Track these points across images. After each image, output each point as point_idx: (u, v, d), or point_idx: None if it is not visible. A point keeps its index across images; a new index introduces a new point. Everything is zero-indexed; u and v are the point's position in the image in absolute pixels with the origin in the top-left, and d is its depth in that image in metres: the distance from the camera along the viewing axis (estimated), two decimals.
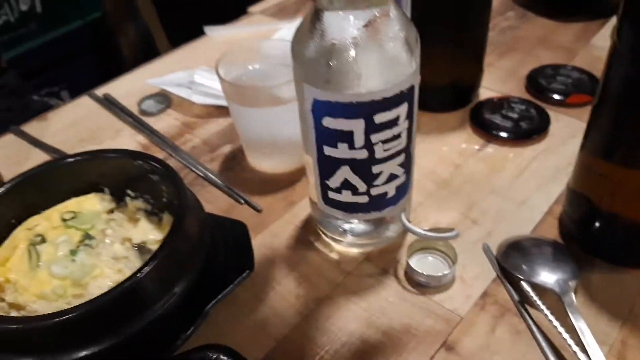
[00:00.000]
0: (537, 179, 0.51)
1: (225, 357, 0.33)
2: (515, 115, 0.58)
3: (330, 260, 0.46)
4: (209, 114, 0.65)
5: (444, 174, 0.53)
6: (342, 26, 0.35)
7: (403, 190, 0.43)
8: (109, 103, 0.69)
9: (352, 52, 0.35)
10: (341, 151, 0.39)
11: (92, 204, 0.45)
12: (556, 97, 0.60)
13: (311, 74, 0.37)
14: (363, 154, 0.39)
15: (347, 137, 0.38)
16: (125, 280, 0.35)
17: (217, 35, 0.81)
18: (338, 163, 0.40)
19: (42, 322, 0.33)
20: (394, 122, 0.38)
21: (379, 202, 0.42)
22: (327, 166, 0.41)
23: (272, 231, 0.49)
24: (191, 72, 0.68)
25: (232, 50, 0.53)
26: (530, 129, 0.56)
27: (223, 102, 0.64)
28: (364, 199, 0.42)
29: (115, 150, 0.45)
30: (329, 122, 0.38)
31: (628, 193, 0.40)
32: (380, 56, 0.37)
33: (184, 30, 0.84)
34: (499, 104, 0.59)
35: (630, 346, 0.38)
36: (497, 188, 0.51)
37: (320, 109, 0.37)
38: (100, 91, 0.71)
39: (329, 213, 0.44)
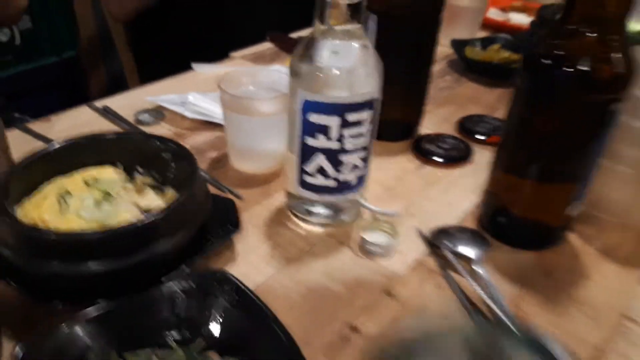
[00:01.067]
0: (462, 191, 0.66)
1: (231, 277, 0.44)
2: (447, 146, 0.73)
3: (299, 235, 0.58)
4: (197, 127, 0.77)
5: (390, 183, 0.67)
6: (328, 53, 0.50)
7: (362, 180, 0.56)
8: (108, 113, 0.80)
9: (334, 71, 0.50)
10: (319, 141, 0.52)
11: (109, 173, 0.55)
12: (479, 137, 0.76)
13: (304, 82, 0.50)
14: (335, 145, 0.52)
15: (324, 130, 0.51)
16: (149, 217, 0.45)
17: (202, 71, 0.95)
18: (315, 151, 0.53)
19: (78, 237, 0.43)
20: (360, 123, 0.52)
21: (343, 187, 0.55)
22: (306, 154, 0.53)
23: (251, 213, 0.60)
24: (183, 95, 0.81)
25: (231, 74, 0.66)
26: (458, 156, 0.71)
27: (211, 119, 0.76)
28: (333, 183, 0.55)
29: (135, 132, 0.56)
30: (313, 117, 0.51)
31: (519, 196, 0.55)
32: (353, 74, 0.51)
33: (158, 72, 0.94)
34: (435, 138, 0.75)
35: (522, 299, 0.51)
36: (431, 195, 0.65)
37: (308, 107, 0.51)
38: (98, 104, 0.82)
39: (302, 195, 0.56)
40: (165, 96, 0.82)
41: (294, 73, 0.51)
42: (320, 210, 0.58)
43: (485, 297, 0.49)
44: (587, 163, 0.52)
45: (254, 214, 0.60)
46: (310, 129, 0.52)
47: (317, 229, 0.59)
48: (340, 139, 0.52)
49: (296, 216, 0.60)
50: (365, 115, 0.51)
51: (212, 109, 0.77)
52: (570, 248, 0.58)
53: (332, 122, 0.51)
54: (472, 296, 0.50)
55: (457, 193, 0.66)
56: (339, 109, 0.50)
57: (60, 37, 1.77)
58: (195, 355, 0.41)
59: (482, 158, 0.72)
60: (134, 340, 0.41)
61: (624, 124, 0.53)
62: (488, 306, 0.49)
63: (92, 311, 0.40)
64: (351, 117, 0.51)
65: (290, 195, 0.60)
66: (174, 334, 0.42)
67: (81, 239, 0.44)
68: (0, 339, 0.42)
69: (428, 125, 0.80)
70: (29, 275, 0.44)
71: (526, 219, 0.56)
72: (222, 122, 0.73)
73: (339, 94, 0.50)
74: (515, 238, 0.58)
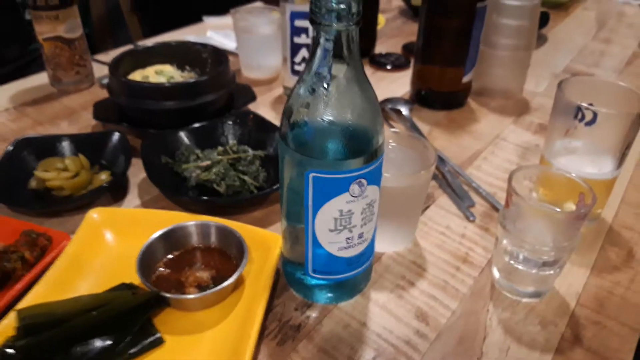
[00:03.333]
0: (402, 84, 0.97)
1: (256, 114, 0.75)
2: (393, 59, 1.04)
3: None
4: None
5: None
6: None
7: None
8: None
9: None
10: (302, 39, 0.83)
11: (169, 68, 0.86)
12: None
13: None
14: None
15: (305, 30, 0.82)
16: (202, 76, 0.76)
17: (211, 21, 1.25)
18: (300, 47, 0.84)
19: (159, 85, 0.73)
20: None
21: None
22: (294, 49, 0.84)
23: (260, 98, 0.91)
24: (202, 36, 1.11)
25: (241, 9, 0.96)
26: (400, 64, 1.03)
27: (225, 47, 1.07)
28: None
29: (184, 41, 0.87)
30: (297, 22, 0.82)
31: (431, 76, 0.86)
32: None
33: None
34: (385, 55, 1.06)
35: (432, 130, 0.82)
36: (381, 86, 0.96)
37: (294, 16, 0.81)
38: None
39: (294, 81, 0.87)
40: (189, 36, 1.12)
41: None
42: None
43: (409, 129, 0.81)
44: (470, 48, 0.83)
45: (262, 98, 0.91)
46: (296, 31, 0.82)
47: None
48: None
49: None
50: None
51: (226, 42, 1.08)
52: (469, 108, 0.90)
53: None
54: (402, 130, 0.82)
55: (398, 85, 0.97)
56: None
57: None
58: (235, 149, 0.71)
59: None
60: (205, 144, 0.71)
61: (494, 21, 0.85)
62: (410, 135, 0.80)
63: (187, 127, 0.71)
64: None
65: (285, 87, 0.90)
66: (224, 143, 0.73)
67: (162, 86, 0.74)
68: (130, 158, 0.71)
69: (383, 49, 1.11)
70: (134, 114, 0.74)
71: (437, 90, 0.88)
72: (233, 50, 1.03)
73: None
74: (432, 103, 0.89)
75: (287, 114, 0.44)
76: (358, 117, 0.42)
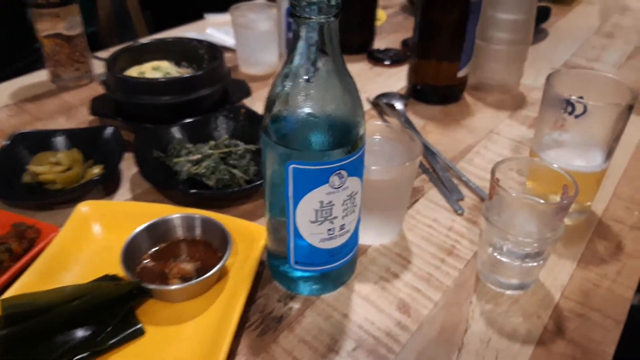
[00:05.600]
0: (398, 79, 0.97)
1: (248, 108, 0.75)
2: (391, 54, 1.04)
3: None
4: None
5: None
6: None
7: None
8: None
9: None
10: None
11: (166, 64, 0.86)
12: None
13: None
14: None
15: None
16: (197, 71, 0.76)
17: (212, 18, 1.25)
18: None
19: (154, 80, 0.74)
20: None
21: None
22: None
23: (257, 93, 0.91)
24: (202, 33, 1.12)
25: (240, 5, 0.96)
26: (398, 59, 1.03)
27: (224, 44, 1.07)
28: None
29: (181, 37, 0.87)
30: None
31: (426, 71, 0.86)
32: None
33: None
34: (384, 50, 1.06)
35: (426, 125, 0.82)
36: (378, 81, 0.96)
37: (288, 12, 0.81)
38: None
39: None
40: (190, 33, 1.13)
41: None
42: None
43: (403, 124, 0.81)
44: (465, 42, 0.83)
45: (258, 93, 0.91)
46: (292, 27, 0.83)
47: None
48: None
49: None
50: None
51: (225, 38, 1.08)
52: (465, 103, 0.90)
53: None
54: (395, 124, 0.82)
55: (395, 80, 0.97)
56: None
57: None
58: (227, 143, 0.71)
59: None
60: (197, 138, 0.72)
61: (490, 15, 0.85)
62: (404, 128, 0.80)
63: (180, 123, 0.71)
64: None
65: None
66: (217, 137, 0.73)
67: (156, 81, 0.75)
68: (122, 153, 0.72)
69: (382, 45, 1.11)
70: (130, 109, 0.75)
71: (433, 85, 0.88)
72: (233, 47, 1.04)
73: None
74: (428, 97, 0.89)
75: (268, 106, 0.44)
76: (338, 108, 0.43)
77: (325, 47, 0.41)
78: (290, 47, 0.42)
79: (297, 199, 0.45)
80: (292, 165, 0.43)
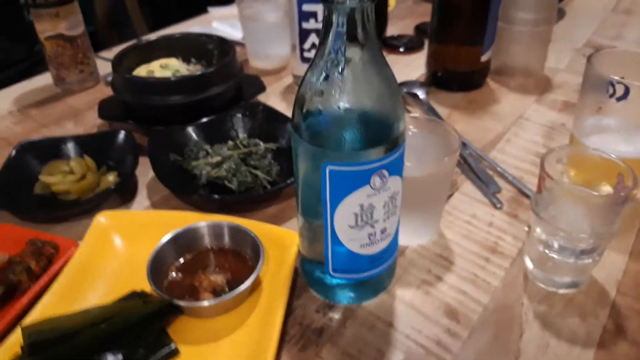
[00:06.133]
0: (416, 67, 0.93)
1: (266, 104, 0.71)
2: (405, 41, 1.00)
3: None
4: None
5: None
6: None
7: None
8: None
9: None
10: (311, 24, 0.79)
11: (174, 62, 0.82)
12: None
13: None
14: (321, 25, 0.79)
15: (314, 15, 0.78)
16: (209, 68, 0.72)
17: (217, 12, 1.21)
18: (309, 32, 0.80)
19: (164, 80, 0.70)
20: None
21: None
22: (303, 36, 0.80)
23: (269, 88, 0.87)
24: (207, 27, 1.07)
25: None
26: (412, 46, 0.99)
27: (231, 37, 1.03)
28: None
29: (189, 32, 0.83)
30: (305, 6, 0.78)
31: (447, 56, 0.82)
32: None
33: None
34: (397, 37, 1.02)
35: (451, 114, 0.78)
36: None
37: (300, 0, 0.77)
38: None
39: (304, 69, 0.83)
40: (194, 27, 1.09)
41: None
42: None
43: (426, 113, 0.77)
44: (487, 25, 0.79)
45: (272, 89, 0.87)
46: (304, 16, 0.79)
47: None
48: None
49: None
50: None
51: (231, 32, 1.04)
52: (489, 89, 0.86)
53: (318, 8, 0.78)
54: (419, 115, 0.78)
55: (412, 68, 0.93)
56: None
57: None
58: (246, 143, 0.67)
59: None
60: (214, 138, 0.68)
61: None
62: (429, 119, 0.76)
63: (195, 123, 0.68)
64: None
65: (295, 76, 0.87)
66: (234, 136, 0.70)
67: (167, 80, 0.71)
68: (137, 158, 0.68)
69: (394, 31, 1.07)
70: (140, 111, 0.72)
71: (454, 71, 0.84)
72: (240, 40, 1.00)
73: None
74: (449, 84, 0.85)
75: (299, 103, 0.40)
76: (377, 102, 0.39)
77: (361, 35, 0.37)
78: (321, 36, 0.38)
79: (335, 202, 0.41)
80: (329, 167, 0.40)
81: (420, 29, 1.06)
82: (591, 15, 1.15)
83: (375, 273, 0.46)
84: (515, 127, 0.75)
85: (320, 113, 0.39)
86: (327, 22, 0.37)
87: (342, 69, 0.38)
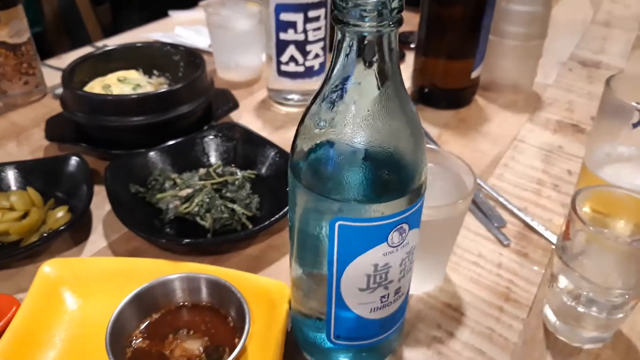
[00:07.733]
0: None
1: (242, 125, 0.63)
2: None
3: (280, 113, 0.77)
4: None
5: None
6: None
7: (322, 66, 0.76)
8: None
9: None
10: (289, 35, 0.71)
11: (134, 74, 0.73)
12: (411, 45, 0.97)
13: None
14: (301, 37, 0.72)
15: (292, 25, 0.71)
16: (175, 83, 0.63)
17: (178, 16, 1.12)
18: (287, 44, 0.72)
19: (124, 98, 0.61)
20: (319, 18, 0.71)
21: (310, 72, 0.75)
22: (280, 47, 0.73)
23: (242, 104, 0.79)
24: (169, 33, 0.98)
25: (214, 1, 0.84)
26: None
27: (196, 45, 0.94)
28: (301, 68, 0.74)
29: (152, 42, 0.74)
30: (283, 16, 0.70)
31: (435, 71, 0.76)
32: None
33: None
34: None
35: (442, 134, 0.72)
36: None
37: (279, 9, 0.70)
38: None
39: (280, 85, 0.76)
40: (155, 33, 0.99)
41: None
42: (293, 96, 0.78)
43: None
44: (478, 38, 0.73)
45: (244, 104, 0.79)
46: (282, 26, 0.71)
47: (293, 110, 0.78)
48: (304, 31, 0.71)
49: (277, 102, 0.79)
50: (322, 11, 0.71)
51: (197, 39, 0.95)
52: (478, 106, 0.80)
53: (298, 18, 0.70)
54: None
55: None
56: (302, 8, 0.69)
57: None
58: (220, 171, 0.59)
59: (411, 59, 0.93)
60: (182, 165, 0.59)
61: (504, 8, 0.75)
62: None
63: (160, 147, 0.59)
64: (312, 13, 0.70)
65: (270, 90, 0.79)
66: (206, 163, 0.61)
67: (127, 98, 0.62)
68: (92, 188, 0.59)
69: None
70: (94, 132, 0.62)
71: (442, 88, 0.78)
72: (206, 49, 0.91)
73: None
74: (436, 101, 0.79)
75: (302, 140, 0.33)
76: (401, 145, 0.32)
77: (384, 65, 0.30)
78: (332, 63, 0.31)
79: (344, 263, 0.34)
80: (339, 222, 0.32)
81: (401, 39, 1.00)
82: (571, 28, 1.12)
83: (383, 338, 0.39)
84: (511, 151, 0.70)
85: (330, 156, 0.32)
86: (339, 46, 0.30)
87: (357, 103, 0.30)
